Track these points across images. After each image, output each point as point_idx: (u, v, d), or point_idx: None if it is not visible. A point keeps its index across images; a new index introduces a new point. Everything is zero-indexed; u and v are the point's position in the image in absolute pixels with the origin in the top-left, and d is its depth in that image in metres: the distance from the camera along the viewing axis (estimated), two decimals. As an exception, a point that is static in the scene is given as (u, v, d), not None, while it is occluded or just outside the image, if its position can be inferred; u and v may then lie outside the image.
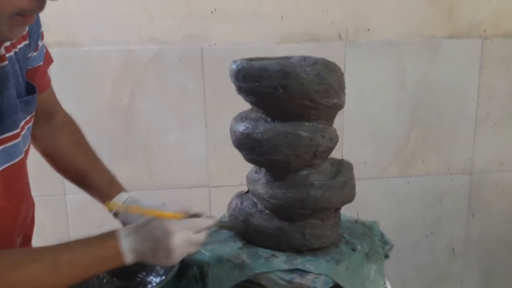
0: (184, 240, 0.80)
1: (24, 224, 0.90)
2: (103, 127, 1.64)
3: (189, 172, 1.72)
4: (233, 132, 0.97)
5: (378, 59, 1.72)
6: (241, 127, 0.95)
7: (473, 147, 1.85)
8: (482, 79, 1.79)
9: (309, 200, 0.91)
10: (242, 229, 1.00)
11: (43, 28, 0.90)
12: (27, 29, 0.81)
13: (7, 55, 0.78)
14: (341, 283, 0.88)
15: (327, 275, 0.88)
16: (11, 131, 0.78)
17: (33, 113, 0.87)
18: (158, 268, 0.96)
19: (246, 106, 1.01)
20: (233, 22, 1.63)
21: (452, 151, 1.84)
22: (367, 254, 0.98)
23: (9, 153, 0.78)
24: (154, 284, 0.93)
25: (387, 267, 1.04)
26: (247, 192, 1.05)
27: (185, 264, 0.93)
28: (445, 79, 1.77)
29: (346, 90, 0.94)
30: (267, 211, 0.97)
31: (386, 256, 1.05)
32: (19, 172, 0.82)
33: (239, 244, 0.98)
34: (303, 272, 0.88)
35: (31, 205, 0.93)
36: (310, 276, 0.87)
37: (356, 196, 0.99)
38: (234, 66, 0.92)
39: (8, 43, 0.78)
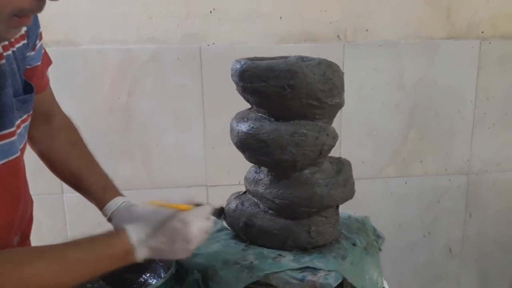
0: (200, 228, 0.82)
1: (22, 222, 0.90)
2: (101, 126, 1.64)
3: (187, 172, 1.72)
4: (235, 132, 0.96)
5: (376, 60, 1.72)
6: (244, 128, 0.94)
7: (470, 147, 1.85)
8: (480, 80, 1.79)
9: (315, 198, 0.93)
10: (244, 230, 0.99)
11: (42, 27, 0.90)
12: (25, 29, 0.81)
13: (4, 53, 0.78)
14: (348, 277, 0.89)
15: (336, 271, 0.88)
16: (7, 129, 0.78)
17: (30, 112, 0.87)
18: (152, 278, 0.94)
19: (244, 105, 1.01)
20: (232, 22, 1.63)
21: (449, 152, 1.85)
22: (365, 248, 1.00)
23: (4, 151, 0.78)
24: None
25: (384, 267, 1.05)
26: (245, 192, 1.05)
27: (184, 269, 0.92)
28: (443, 80, 1.77)
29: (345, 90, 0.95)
30: (270, 211, 0.97)
31: (379, 249, 1.07)
32: (14, 170, 0.82)
33: (241, 245, 0.98)
34: (313, 269, 0.89)
35: (29, 203, 0.93)
36: (321, 273, 0.88)
37: (354, 196, 1.00)
38: (238, 66, 0.91)
39: (6, 42, 0.78)
